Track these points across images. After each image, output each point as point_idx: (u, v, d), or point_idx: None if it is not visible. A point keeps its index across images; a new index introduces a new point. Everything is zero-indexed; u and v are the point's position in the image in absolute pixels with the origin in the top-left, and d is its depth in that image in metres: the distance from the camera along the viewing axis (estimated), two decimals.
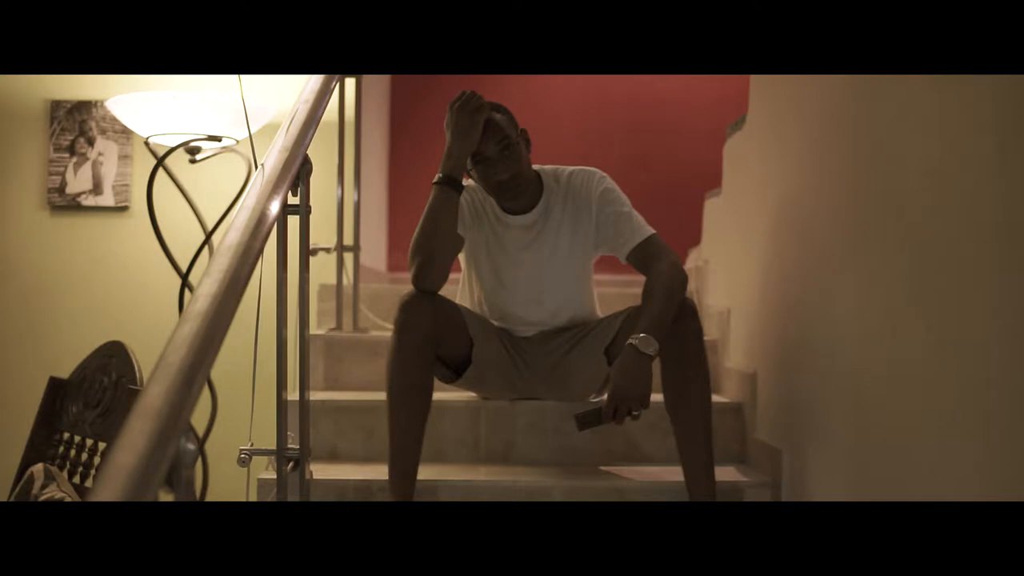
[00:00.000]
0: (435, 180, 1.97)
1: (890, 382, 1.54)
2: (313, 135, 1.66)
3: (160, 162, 2.73)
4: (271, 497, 1.65)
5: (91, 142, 3.19)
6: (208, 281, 1.07)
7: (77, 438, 1.99)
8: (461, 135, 1.94)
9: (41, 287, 3.19)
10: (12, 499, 1.82)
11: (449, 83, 2.66)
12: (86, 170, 3.19)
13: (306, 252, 1.66)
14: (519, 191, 2.02)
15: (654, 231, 2.03)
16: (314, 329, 2.66)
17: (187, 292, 2.75)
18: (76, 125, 3.19)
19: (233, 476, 1.98)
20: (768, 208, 2.25)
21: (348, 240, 2.75)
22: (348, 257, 2.74)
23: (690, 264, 3.13)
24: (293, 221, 1.57)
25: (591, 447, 2.27)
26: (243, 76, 2.23)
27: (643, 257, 2.00)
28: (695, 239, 3.27)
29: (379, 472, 2.00)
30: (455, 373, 2.11)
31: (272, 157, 1.50)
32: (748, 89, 2.52)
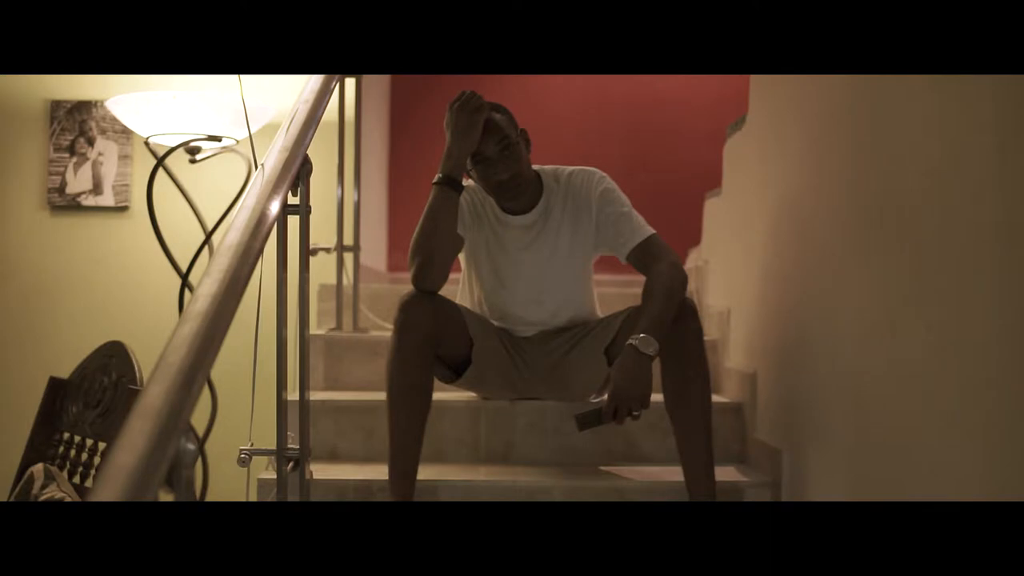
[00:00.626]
0: (435, 180, 1.97)
1: (890, 382, 1.54)
2: (313, 135, 1.66)
3: (160, 162, 2.73)
4: (271, 497, 1.65)
5: (91, 142, 3.19)
6: (208, 281, 1.07)
7: (77, 438, 1.99)
8: (461, 135, 1.94)
9: (41, 287, 3.19)
10: (12, 499, 1.82)
11: (449, 83, 2.66)
12: (86, 170, 3.19)
13: (306, 252, 1.66)
14: (519, 191, 2.02)
15: (654, 231, 2.03)
16: (314, 329, 2.66)
17: (187, 292, 2.75)
18: (76, 125, 3.19)
19: (233, 476, 1.98)
20: (768, 208, 2.25)
21: (348, 240, 2.75)
22: (348, 257, 2.74)
23: (690, 264, 3.13)
24: (293, 221, 1.57)
25: (591, 447, 2.27)
26: (243, 76, 2.23)
27: (643, 257, 2.00)
28: (695, 239, 3.26)
29: (379, 472, 2.00)
30: (455, 373, 2.11)
31: (272, 157, 1.50)
32: (748, 89, 2.52)
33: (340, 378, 2.56)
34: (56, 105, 3.19)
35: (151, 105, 2.67)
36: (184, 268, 2.74)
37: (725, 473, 2.12)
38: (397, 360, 1.92)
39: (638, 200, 2.09)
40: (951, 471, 1.34)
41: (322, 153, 2.54)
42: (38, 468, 1.84)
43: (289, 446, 1.60)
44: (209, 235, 2.79)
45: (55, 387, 2.08)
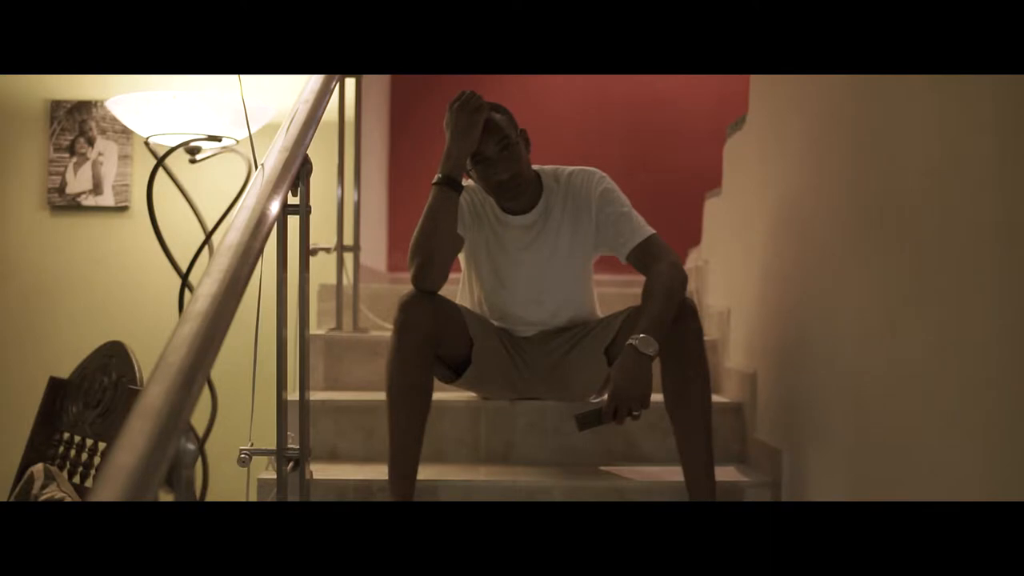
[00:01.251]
0: (434, 180, 1.97)
1: (890, 382, 1.54)
2: (313, 135, 1.66)
3: (160, 162, 2.73)
4: (271, 497, 1.65)
5: (91, 142, 3.19)
6: (208, 281, 1.07)
7: (77, 438, 1.99)
8: (461, 135, 1.94)
9: (41, 287, 3.19)
10: (12, 499, 1.82)
11: (449, 83, 2.66)
12: (86, 170, 3.19)
13: (306, 252, 1.66)
14: (519, 191, 2.02)
15: (654, 231, 2.03)
16: (314, 329, 2.66)
17: (187, 292, 2.75)
18: (76, 125, 3.19)
19: (233, 476, 1.98)
20: (768, 208, 2.25)
21: (348, 240, 2.75)
22: (348, 257, 2.74)
23: (690, 264, 3.13)
24: (293, 221, 1.57)
25: (591, 447, 2.27)
26: (243, 76, 2.23)
27: (643, 257, 2.00)
28: (695, 239, 3.26)
29: (379, 472, 2.00)
30: (455, 373, 2.11)
31: (272, 157, 1.50)
32: (748, 89, 2.52)
33: (340, 378, 2.56)
34: (56, 105, 3.19)
35: (151, 105, 2.67)
36: (184, 268, 2.74)
37: (725, 473, 2.12)
38: (397, 360, 1.92)
39: (638, 200, 2.09)
40: (951, 471, 1.34)
41: (322, 153, 2.54)
42: (38, 468, 1.84)
43: (289, 446, 1.60)
44: (209, 235, 2.79)
45: (55, 387, 2.08)
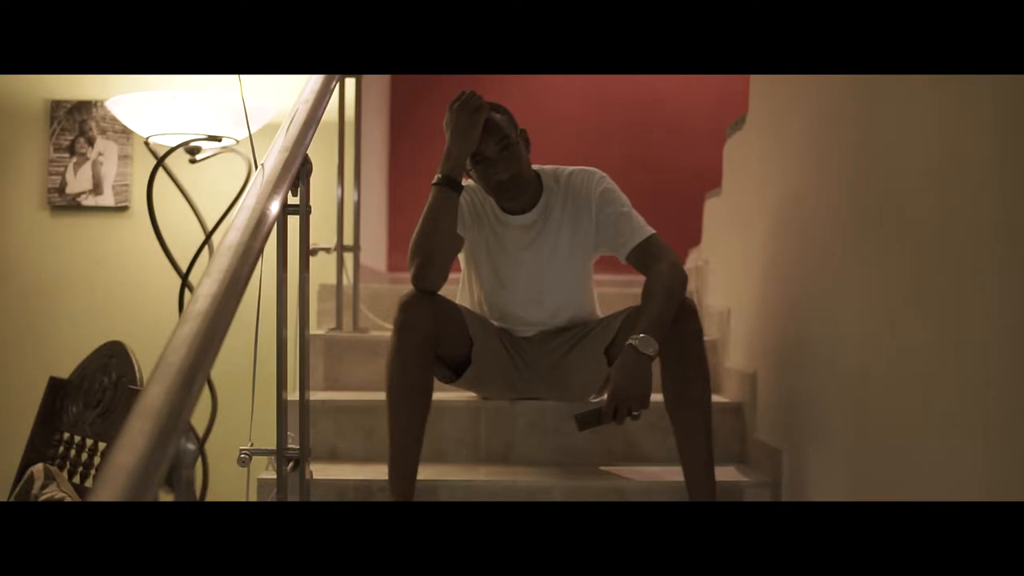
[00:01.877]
0: (434, 180, 1.97)
1: (890, 382, 1.54)
2: (313, 135, 1.66)
3: (160, 162, 2.73)
4: (271, 497, 1.65)
5: (91, 142, 3.19)
6: (208, 281, 1.07)
7: (77, 438, 1.99)
8: (460, 135, 1.94)
9: (41, 287, 3.19)
10: (12, 499, 1.82)
11: (449, 83, 2.66)
12: (86, 170, 3.19)
13: (306, 252, 1.66)
14: (519, 191, 2.03)
15: (654, 231, 2.03)
16: (314, 329, 2.66)
17: (187, 292, 2.75)
18: (76, 125, 3.19)
19: (233, 476, 1.98)
20: (768, 208, 2.25)
21: (348, 240, 2.75)
22: (348, 257, 2.74)
23: (690, 264, 3.13)
24: (293, 221, 1.57)
25: (591, 447, 2.27)
26: (243, 76, 2.23)
27: (643, 257, 2.00)
28: (695, 239, 3.26)
29: (379, 472, 2.00)
30: (455, 373, 2.11)
31: (272, 157, 1.50)
32: (748, 89, 2.52)
33: (340, 378, 2.56)
34: (56, 105, 3.19)
35: (151, 105, 2.67)
36: (184, 268, 2.74)
37: (725, 473, 2.12)
38: (397, 360, 1.92)
39: (638, 200, 2.09)
40: (951, 471, 1.34)
41: (322, 153, 2.54)
42: (38, 468, 1.84)
43: (289, 446, 1.60)
44: (209, 235, 2.79)
45: (55, 387, 2.08)
